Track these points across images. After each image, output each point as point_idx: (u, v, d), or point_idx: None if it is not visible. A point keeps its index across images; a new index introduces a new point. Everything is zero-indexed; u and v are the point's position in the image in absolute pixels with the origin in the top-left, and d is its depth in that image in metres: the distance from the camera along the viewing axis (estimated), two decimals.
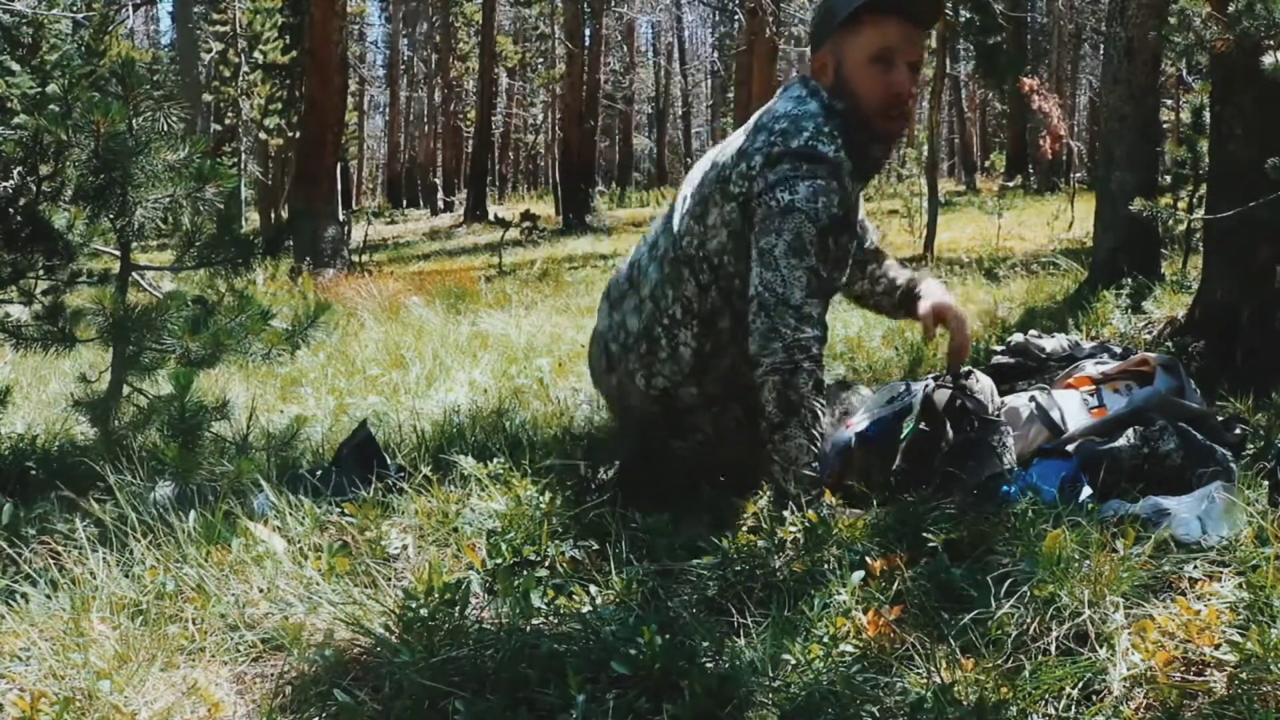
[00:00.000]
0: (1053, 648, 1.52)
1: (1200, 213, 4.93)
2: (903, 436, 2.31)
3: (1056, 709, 1.40)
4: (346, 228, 15.27)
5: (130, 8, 23.66)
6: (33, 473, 2.74)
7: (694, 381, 2.28)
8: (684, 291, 2.25)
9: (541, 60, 33.16)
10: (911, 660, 1.50)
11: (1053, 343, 2.96)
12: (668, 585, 1.79)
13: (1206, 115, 5.43)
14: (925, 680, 1.43)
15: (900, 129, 2.21)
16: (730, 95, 31.85)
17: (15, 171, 2.94)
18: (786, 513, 1.98)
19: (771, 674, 1.45)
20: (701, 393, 2.29)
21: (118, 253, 2.93)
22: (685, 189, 2.35)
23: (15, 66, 10.60)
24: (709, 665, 1.45)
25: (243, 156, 19.87)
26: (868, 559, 1.78)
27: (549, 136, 39.11)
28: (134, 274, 2.96)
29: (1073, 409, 2.47)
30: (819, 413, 2.09)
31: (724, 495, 2.22)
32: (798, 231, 2.07)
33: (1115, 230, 6.00)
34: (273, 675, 1.55)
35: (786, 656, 1.48)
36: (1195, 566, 1.79)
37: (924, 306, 2.35)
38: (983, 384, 2.36)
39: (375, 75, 41.73)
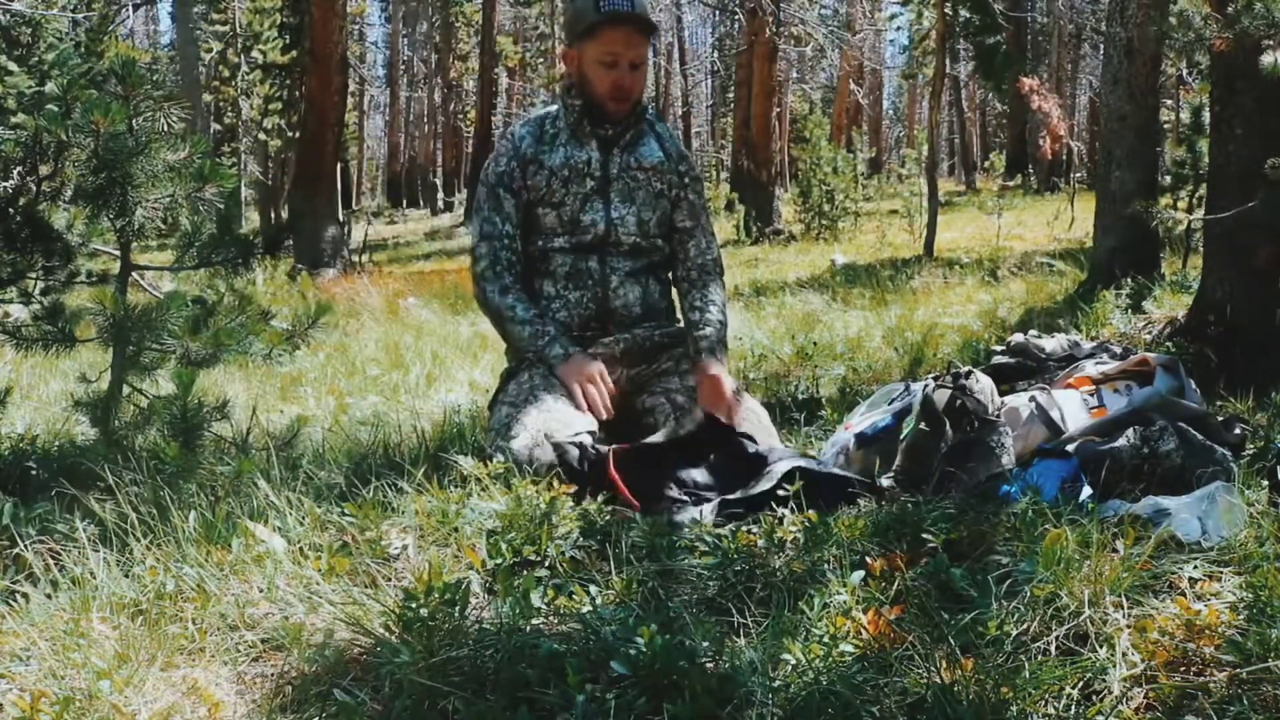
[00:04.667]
0: (1053, 648, 1.52)
1: (1200, 213, 4.92)
2: (903, 436, 2.31)
3: (1056, 709, 1.39)
4: (346, 228, 15.27)
5: (130, 8, 23.64)
6: (33, 473, 2.74)
7: None
8: None
9: (541, 60, 33.12)
10: (911, 660, 1.50)
11: (1053, 343, 2.96)
12: (668, 585, 1.79)
13: (1206, 115, 5.44)
14: (925, 680, 1.43)
15: (621, 110, 2.69)
16: (730, 95, 31.82)
17: (15, 171, 2.94)
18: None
19: (771, 674, 1.45)
20: None
21: (118, 253, 2.93)
22: None
23: (14, 66, 10.60)
24: (709, 665, 1.44)
25: (243, 156, 19.87)
26: (868, 559, 1.78)
27: None
28: (134, 274, 2.96)
29: (1073, 409, 2.47)
30: (502, 311, 2.71)
31: None
32: (478, 194, 2.79)
33: (1115, 230, 6.00)
34: (273, 675, 1.55)
35: (786, 656, 1.48)
36: (1195, 566, 1.78)
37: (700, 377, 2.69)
38: (983, 384, 2.36)
39: (375, 75, 41.70)
